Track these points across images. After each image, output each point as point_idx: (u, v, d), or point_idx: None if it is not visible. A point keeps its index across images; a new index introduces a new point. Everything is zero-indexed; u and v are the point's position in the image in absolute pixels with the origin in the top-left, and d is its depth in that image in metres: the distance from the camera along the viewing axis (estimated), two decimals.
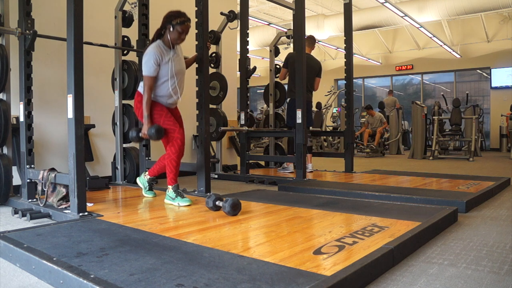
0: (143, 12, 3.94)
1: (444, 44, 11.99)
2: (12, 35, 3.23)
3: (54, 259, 1.65)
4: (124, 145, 4.10)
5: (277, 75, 5.76)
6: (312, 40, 5.25)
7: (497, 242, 2.12)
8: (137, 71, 3.91)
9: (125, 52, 4.02)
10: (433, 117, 8.47)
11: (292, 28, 5.02)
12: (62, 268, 1.54)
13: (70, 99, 2.54)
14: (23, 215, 2.76)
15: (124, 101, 4.04)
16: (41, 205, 2.85)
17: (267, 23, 11.19)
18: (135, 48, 4.01)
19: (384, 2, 8.63)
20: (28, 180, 3.14)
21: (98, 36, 3.93)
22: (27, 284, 1.61)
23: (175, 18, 2.93)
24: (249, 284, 1.39)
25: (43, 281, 1.63)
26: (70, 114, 2.54)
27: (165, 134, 3.00)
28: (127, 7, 4.05)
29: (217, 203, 2.63)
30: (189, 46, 3.45)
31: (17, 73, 3.26)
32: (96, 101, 4.36)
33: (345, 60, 5.27)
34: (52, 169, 2.94)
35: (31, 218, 2.67)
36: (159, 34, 3.02)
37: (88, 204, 2.79)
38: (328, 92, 10.78)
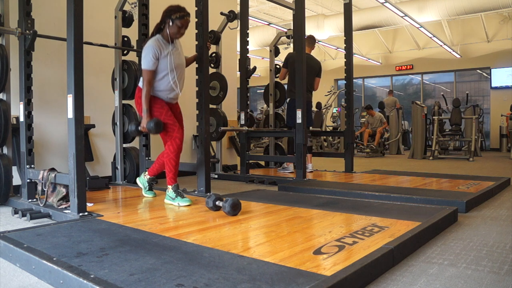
0: (143, 12, 3.94)
1: (444, 44, 11.99)
2: (12, 35, 3.23)
3: (54, 259, 1.65)
4: (124, 145, 4.10)
5: (277, 75, 5.76)
6: (312, 40, 5.25)
7: (497, 242, 2.12)
8: (137, 71, 3.91)
9: (125, 52, 4.02)
10: (433, 117, 8.47)
11: (292, 28, 5.02)
12: (62, 268, 1.54)
13: (70, 99, 2.54)
14: (23, 215, 2.76)
15: (124, 101, 4.04)
16: (41, 205, 2.85)
17: (267, 23, 11.19)
18: (135, 48, 4.01)
19: (384, 2, 8.63)
20: (28, 180, 3.14)
21: (98, 36, 3.93)
22: (27, 284, 1.61)
23: (175, 13, 2.94)
24: (249, 284, 1.39)
25: (43, 281, 1.63)
26: (70, 114, 2.55)
27: (164, 130, 3.00)
28: (127, 7, 4.05)
29: (217, 203, 2.63)
30: (189, 46, 3.45)
31: (17, 73, 3.26)
32: (96, 101, 4.36)
33: (345, 60, 5.27)
34: (52, 169, 2.94)
35: (31, 218, 2.67)
36: (159, 29, 3.04)
37: (88, 204, 2.79)
38: (328, 92, 10.78)
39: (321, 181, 4.36)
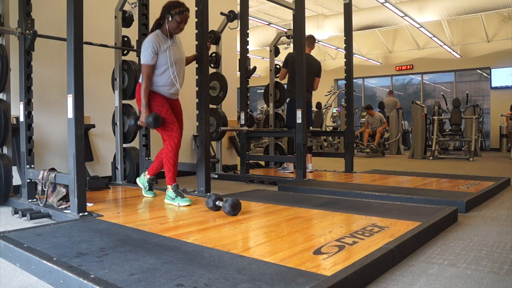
0: (143, 12, 3.94)
1: (444, 44, 11.99)
2: (12, 35, 3.23)
3: (54, 259, 1.65)
4: (124, 145, 4.10)
5: (277, 75, 5.76)
6: (311, 40, 5.25)
7: (497, 242, 2.12)
8: (137, 71, 3.91)
9: (125, 52, 4.02)
10: (433, 117, 8.47)
11: (292, 28, 5.02)
12: (62, 268, 1.54)
13: (70, 99, 2.54)
14: (23, 215, 2.76)
15: (124, 101, 4.04)
16: (41, 205, 2.85)
17: (267, 23, 11.19)
18: (135, 48, 4.01)
19: (384, 2, 8.63)
20: (28, 180, 3.14)
21: (98, 36, 3.93)
22: (27, 284, 1.61)
23: (174, 8, 2.96)
24: (249, 284, 1.39)
25: (43, 281, 1.63)
26: (70, 114, 2.55)
27: (163, 128, 3.00)
28: (127, 7, 4.05)
29: (217, 203, 2.63)
30: (189, 46, 3.45)
31: (17, 73, 3.26)
32: (96, 101, 4.36)
33: (345, 60, 5.27)
34: (52, 169, 2.94)
35: (31, 218, 2.67)
36: (158, 24, 3.05)
37: (88, 204, 2.79)
38: (328, 92, 10.78)
39: (321, 181, 4.36)
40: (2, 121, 3.17)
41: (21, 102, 3.22)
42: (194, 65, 3.43)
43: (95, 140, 4.48)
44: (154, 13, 3.66)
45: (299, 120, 4.34)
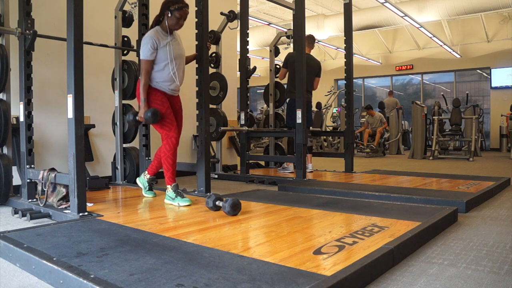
0: (143, 12, 3.94)
1: (444, 44, 11.99)
2: (12, 35, 3.23)
3: (54, 259, 1.65)
4: (124, 145, 4.10)
5: (277, 75, 5.77)
6: (311, 40, 5.25)
7: (497, 242, 2.12)
8: (137, 71, 3.91)
9: (125, 52, 4.02)
10: (433, 117, 8.47)
11: (292, 28, 5.02)
12: (62, 268, 1.54)
13: (70, 99, 2.54)
14: (23, 215, 2.76)
15: (124, 101, 4.04)
16: (41, 205, 2.85)
17: (267, 23, 11.19)
18: (135, 48, 4.01)
19: (384, 2, 8.63)
20: (28, 180, 3.14)
21: (98, 36, 3.93)
22: (27, 284, 1.61)
23: (173, 4, 2.97)
24: (249, 284, 1.39)
25: (43, 281, 1.63)
26: (70, 114, 2.55)
27: (162, 126, 3.00)
28: (127, 7, 4.05)
29: (217, 203, 2.63)
30: (189, 45, 3.45)
31: (17, 73, 3.26)
32: (96, 101, 4.36)
33: (345, 60, 5.27)
34: (52, 169, 2.94)
35: (31, 218, 2.67)
36: (158, 21, 3.06)
37: (88, 204, 2.79)
38: (328, 92, 10.78)
39: (321, 181, 4.36)
40: (2, 121, 3.18)
41: (21, 102, 3.22)
42: (194, 65, 3.43)
43: (95, 140, 4.48)
44: (154, 13, 3.66)
45: (299, 120, 4.34)
